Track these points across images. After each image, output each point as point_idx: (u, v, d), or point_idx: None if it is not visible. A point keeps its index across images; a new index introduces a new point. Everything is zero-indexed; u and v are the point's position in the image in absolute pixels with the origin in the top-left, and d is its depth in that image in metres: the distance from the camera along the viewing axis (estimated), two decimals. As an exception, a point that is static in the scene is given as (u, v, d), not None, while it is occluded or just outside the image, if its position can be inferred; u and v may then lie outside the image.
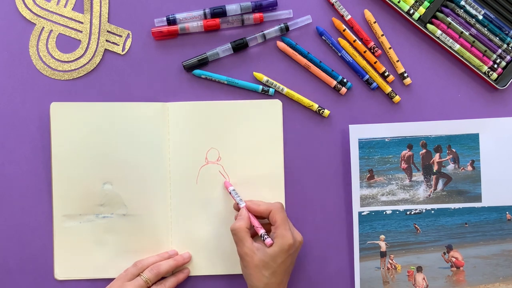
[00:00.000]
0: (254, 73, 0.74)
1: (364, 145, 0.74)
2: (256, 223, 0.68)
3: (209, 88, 0.75)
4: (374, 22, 0.75)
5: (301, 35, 0.75)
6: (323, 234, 0.74)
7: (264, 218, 0.69)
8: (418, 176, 0.75)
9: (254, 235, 0.68)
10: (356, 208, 0.74)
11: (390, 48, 0.75)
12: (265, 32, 0.74)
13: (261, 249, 0.65)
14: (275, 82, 0.74)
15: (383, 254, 0.74)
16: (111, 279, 0.70)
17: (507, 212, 0.74)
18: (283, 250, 0.64)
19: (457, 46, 0.74)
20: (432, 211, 0.74)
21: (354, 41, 0.75)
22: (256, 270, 0.64)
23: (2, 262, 0.73)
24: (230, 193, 0.71)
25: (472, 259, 0.74)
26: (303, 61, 0.74)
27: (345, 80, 0.74)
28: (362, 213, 0.74)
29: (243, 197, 0.71)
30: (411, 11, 0.74)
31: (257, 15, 0.74)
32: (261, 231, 0.67)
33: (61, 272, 0.73)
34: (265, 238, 0.65)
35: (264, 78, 0.74)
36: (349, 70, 0.75)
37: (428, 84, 0.75)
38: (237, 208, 0.70)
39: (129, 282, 0.68)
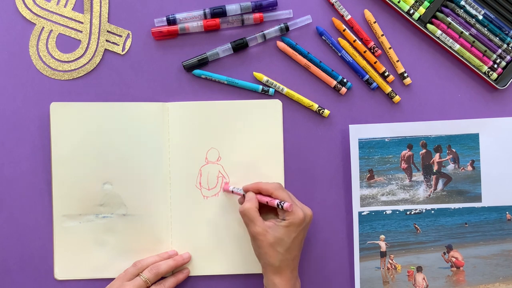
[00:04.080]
0: (254, 73, 0.74)
1: (364, 145, 0.74)
2: (266, 198, 0.67)
3: (209, 88, 0.74)
4: (374, 22, 0.75)
5: (301, 35, 0.75)
6: (323, 234, 0.74)
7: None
8: (418, 176, 0.74)
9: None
10: (356, 208, 0.74)
11: (390, 48, 0.75)
12: (265, 32, 0.74)
13: (273, 227, 0.65)
14: (275, 82, 0.74)
15: (383, 254, 0.74)
16: (111, 279, 0.70)
17: (507, 212, 0.74)
18: (295, 225, 0.64)
19: (457, 46, 0.74)
20: (432, 211, 0.74)
21: (354, 41, 0.75)
22: (270, 248, 0.64)
23: (2, 262, 0.73)
24: (232, 191, 0.71)
25: (472, 259, 0.74)
26: (303, 61, 0.74)
27: (345, 80, 0.74)
28: (362, 213, 0.74)
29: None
30: (411, 11, 0.74)
31: (257, 15, 0.74)
32: (276, 201, 0.65)
33: (61, 272, 0.73)
34: (283, 205, 0.64)
35: (264, 78, 0.74)
36: (349, 70, 0.75)
37: (428, 84, 0.75)
38: (242, 201, 0.70)
39: (129, 282, 0.68)
